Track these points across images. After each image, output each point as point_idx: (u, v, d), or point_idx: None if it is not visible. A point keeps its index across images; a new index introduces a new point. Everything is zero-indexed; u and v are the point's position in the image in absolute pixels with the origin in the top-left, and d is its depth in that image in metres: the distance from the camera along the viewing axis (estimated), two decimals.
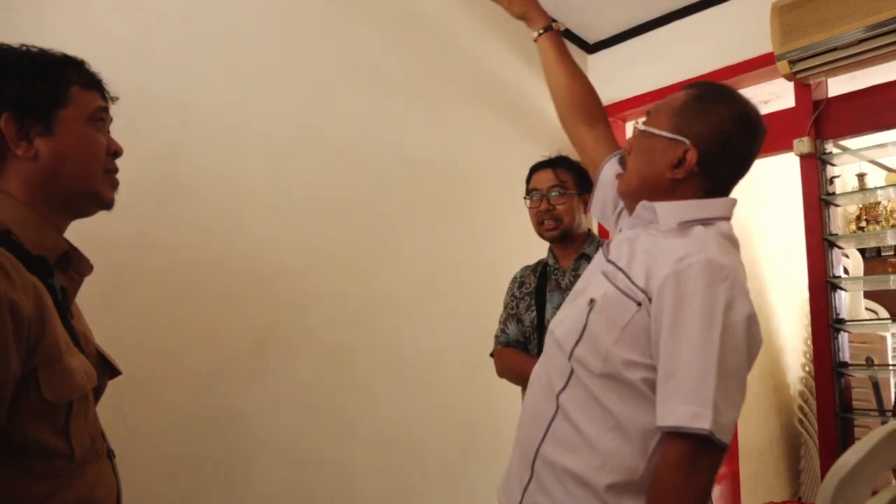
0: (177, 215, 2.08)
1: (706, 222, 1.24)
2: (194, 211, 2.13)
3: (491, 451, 2.78)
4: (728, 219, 1.28)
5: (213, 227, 2.17)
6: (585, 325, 1.22)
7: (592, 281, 1.31)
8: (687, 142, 1.24)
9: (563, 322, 1.30)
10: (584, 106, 1.61)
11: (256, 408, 2.23)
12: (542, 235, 2.10)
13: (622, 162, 1.40)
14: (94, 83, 1.12)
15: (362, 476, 2.49)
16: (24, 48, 1.07)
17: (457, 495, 2.74)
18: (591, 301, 1.23)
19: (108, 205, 1.13)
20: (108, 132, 1.15)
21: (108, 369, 1.21)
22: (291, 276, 2.35)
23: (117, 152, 1.15)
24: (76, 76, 1.09)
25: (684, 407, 1.06)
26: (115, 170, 1.15)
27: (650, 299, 1.15)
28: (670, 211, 1.24)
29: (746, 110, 1.29)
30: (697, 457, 1.07)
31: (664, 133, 1.26)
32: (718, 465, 1.10)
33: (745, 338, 1.12)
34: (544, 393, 1.28)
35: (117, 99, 1.18)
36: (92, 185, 1.09)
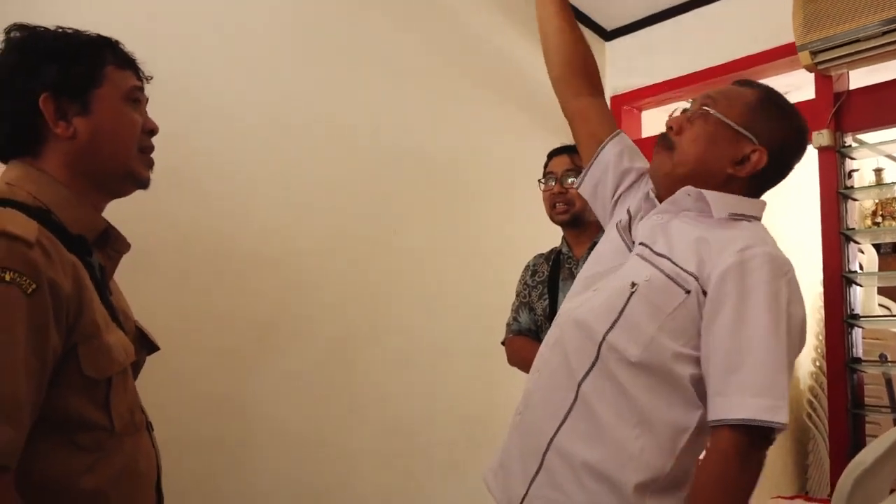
0: (186, 201, 2.07)
1: (750, 219, 1.23)
2: (204, 197, 2.12)
3: (498, 441, 2.77)
4: (760, 220, 1.26)
5: (222, 213, 2.16)
6: (623, 310, 1.16)
7: (625, 266, 1.24)
8: (756, 141, 1.22)
9: (586, 305, 1.23)
10: (588, 73, 1.49)
11: (263, 392, 2.23)
12: (553, 219, 2.09)
13: (663, 141, 1.29)
14: (128, 63, 1.14)
15: (367, 463, 2.48)
16: (59, 29, 1.08)
17: (462, 485, 2.73)
18: (634, 285, 1.16)
19: (143, 184, 1.15)
20: (145, 111, 1.17)
21: (146, 344, 1.25)
22: (300, 262, 2.34)
23: (153, 130, 1.16)
24: (111, 56, 1.10)
25: (758, 400, 1.04)
26: (151, 148, 1.16)
27: (703, 289, 1.13)
28: (721, 201, 1.22)
29: (805, 126, 1.30)
30: (752, 449, 1.05)
31: (737, 126, 1.22)
32: (764, 459, 1.09)
33: (798, 337, 1.13)
34: (558, 381, 1.21)
35: (151, 78, 1.19)
36: (127, 164, 1.11)
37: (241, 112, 2.22)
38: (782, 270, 1.12)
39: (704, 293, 1.12)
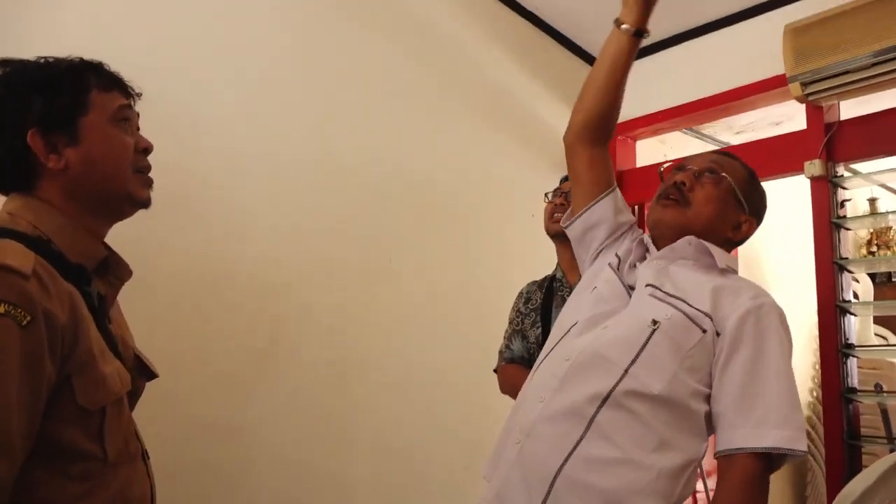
0: (183, 226, 2.08)
1: (734, 273, 1.38)
2: (200, 221, 2.13)
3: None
4: None
5: (219, 237, 2.17)
6: (645, 345, 1.22)
7: (640, 305, 1.30)
8: (747, 212, 1.40)
9: (602, 339, 1.27)
10: (611, 129, 1.54)
11: (258, 417, 2.21)
12: (549, 230, 2.10)
13: (678, 195, 1.40)
14: (113, 83, 1.13)
15: (362, 489, 2.46)
16: (41, 60, 1.08)
17: None
18: (655, 322, 1.24)
19: (143, 204, 1.14)
20: (137, 129, 1.16)
21: (144, 372, 1.25)
22: (296, 287, 2.35)
23: (147, 149, 1.15)
24: (94, 79, 1.10)
25: (780, 431, 1.14)
26: (148, 167, 1.16)
27: (717, 330, 1.24)
28: (720, 254, 1.36)
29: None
30: (765, 474, 1.16)
31: (740, 195, 1.39)
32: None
33: None
34: (567, 409, 1.22)
35: (141, 95, 1.18)
36: (123, 187, 1.11)
37: (238, 139, 2.24)
38: (783, 318, 1.28)
39: (717, 334, 1.24)
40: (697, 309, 1.25)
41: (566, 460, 1.18)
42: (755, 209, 1.42)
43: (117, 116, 1.11)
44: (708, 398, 1.22)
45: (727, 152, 1.51)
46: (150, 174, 1.17)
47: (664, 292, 1.29)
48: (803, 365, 4.61)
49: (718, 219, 1.38)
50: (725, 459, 1.17)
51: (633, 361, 1.22)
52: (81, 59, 1.11)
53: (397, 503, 2.57)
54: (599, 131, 1.50)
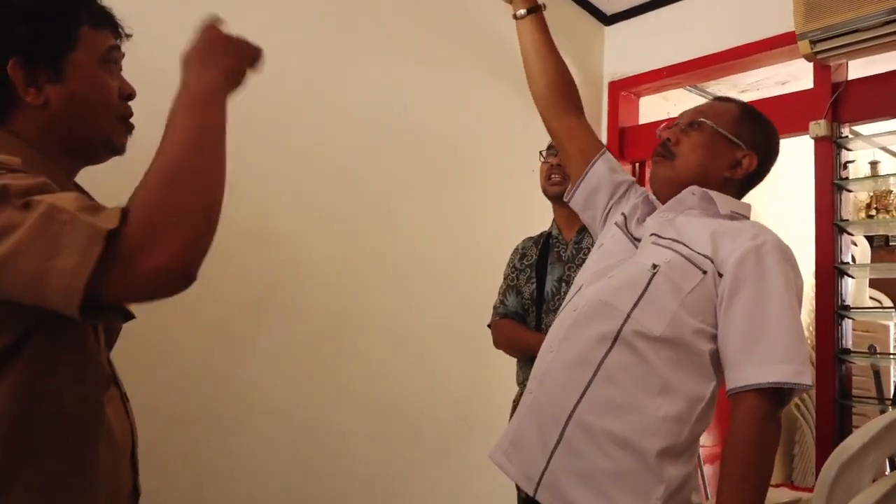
0: None
1: (745, 217, 1.39)
2: None
3: (486, 422, 2.76)
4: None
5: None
6: (646, 289, 1.25)
7: (642, 253, 1.34)
8: (745, 147, 1.39)
9: (607, 287, 1.31)
10: (571, 94, 1.63)
11: (252, 370, 2.22)
12: (546, 191, 2.09)
13: (664, 152, 1.43)
14: (105, 20, 1.05)
15: (355, 441, 2.49)
16: None
17: (450, 463, 2.74)
18: (655, 266, 1.27)
19: (119, 151, 1.08)
20: (121, 74, 1.09)
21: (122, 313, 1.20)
22: (290, 240, 2.33)
23: (130, 95, 1.09)
24: (86, 15, 1.02)
25: (784, 366, 1.16)
26: (129, 114, 1.09)
27: (718, 272, 1.25)
28: (724, 200, 1.37)
29: (778, 135, 1.49)
30: (776, 410, 1.17)
31: (730, 135, 1.39)
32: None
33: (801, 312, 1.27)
34: (578, 357, 1.27)
35: (131, 35, 1.12)
36: (104, 131, 1.05)
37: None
38: (787, 255, 1.28)
39: (720, 275, 1.25)
40: (698, 252, 1.27)
41: (577, 404, 1.23)
42: (754, 141, 1.41)
43: (106, 57, 1.04)
44: (714, 338, 1.24)
45: (722, 97, 1.52)
46: (134, 120, 1.11)
47: (667, 238, 1.32)
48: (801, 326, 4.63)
49: (708, 163, 1.39)
50: (734, 398, 1.19)
51: (634, 305, 1.25)
52: None
53: (392, 453, 2.60)
54: (561, 102, 1.60)
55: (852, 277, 2.63)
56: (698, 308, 1.24)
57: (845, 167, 2.66)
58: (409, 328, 2.66)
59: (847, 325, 2.59)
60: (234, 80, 1.04)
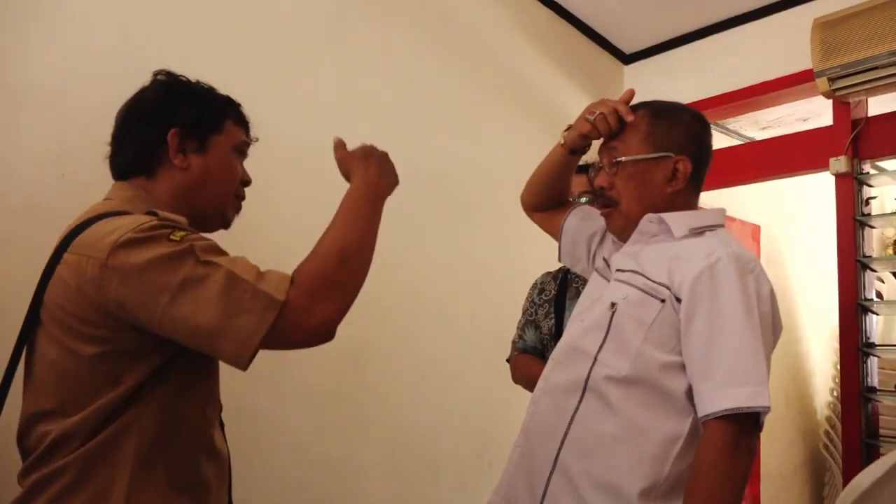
0: None
1: (711, 228, 1.32)
2: None
3: (505, 458, 2.76)
4: (723, 226, 1.35)
5: (236, 222, 2.19)
6: (609, 329, 1.25)
7: (605, 292, 1.34)
8: (672, 154, 1.32)
9: (577, 332, 1.33)
10: (560, 202, 1.69)
11: (270, 403, 2.24)
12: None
13: (605, 202, 1.39)
14: (243, 121, 1.31)
15: (373, 476, 2.48)
16: (197, 82, 1.27)
17: (468, 500, 2.71)
18: (613, 304, 1.26)
19: (227, 225, 1.31)
20: (243, 163, 1.32)
21: None
22: None
23: (247, 182, 1.32)
24: (232, 112, 1.28)
25: (740, 389, 1.11)
26: (243, 197, 1.32)
27: (676, 297, 1.21)
28: (679, 220, 1.31)
29: (695, 111, 1.42)
30: (741, 438, 1.11)
31: (649, 155, 1.33)
32: (756, 445, 1.16)
33: (771, 323, 1.21)
34: (555, 405, 1.29)
35: (257, 140, 1.37)
36: (223, 205, 1.27)
37: (259, 124, 2.22)
38: (748, 267, 1.21)
39: (678, 300, 1.21)
40: (654, 281, 1.24)
41: (558, 453, 1.24)
42: (676, 143, 1.33)
43: (238, 148, 1.28)
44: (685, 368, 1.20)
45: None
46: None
47: (627, 272, 1.30)
48: (826, 363, 4.55)
49: (647, 190, 1.33)
50: (703, 427, 1.16)
51: (600, 347, 1.25)
52: (227, 96, 1.30)
53: (409, 489, 2.58)
54: (549, 209, 1.69)
55: (876, 314, 2.60)
56: (665, 339, 1.21)
57: (867, 203, 2.65)
58: (428, 363, 2.67)
59: (872, 362, 2.55)
60: (391, 191, 1.35)
